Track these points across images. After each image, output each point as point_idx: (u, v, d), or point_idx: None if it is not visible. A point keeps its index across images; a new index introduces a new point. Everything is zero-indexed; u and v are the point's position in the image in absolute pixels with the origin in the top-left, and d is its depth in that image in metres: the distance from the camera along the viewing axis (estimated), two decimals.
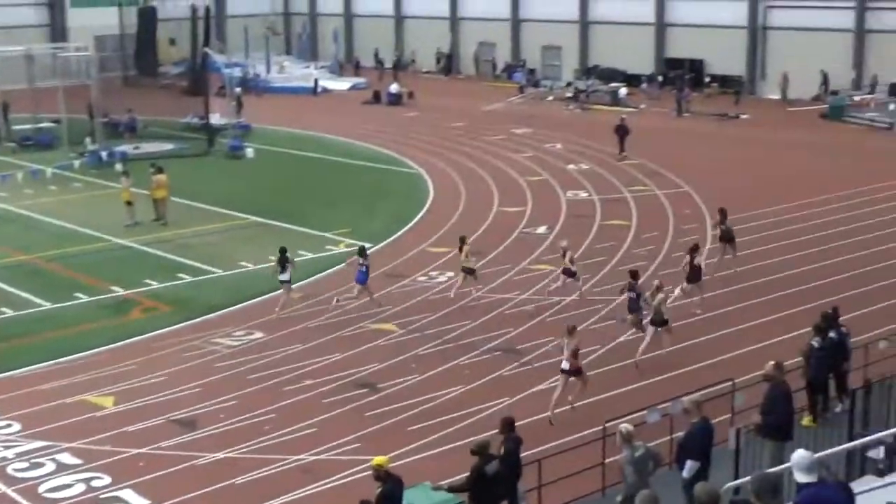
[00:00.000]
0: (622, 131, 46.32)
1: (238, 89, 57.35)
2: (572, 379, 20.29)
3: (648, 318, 23.18)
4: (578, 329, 21.49)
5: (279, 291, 26.90)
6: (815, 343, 18.80)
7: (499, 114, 60.71)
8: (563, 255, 26.98)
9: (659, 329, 22.99)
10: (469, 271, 27.46)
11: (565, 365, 20.26)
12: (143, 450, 19.21)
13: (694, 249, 26.68)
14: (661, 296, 23.07)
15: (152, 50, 63.10)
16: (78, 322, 26.73)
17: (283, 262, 26.65)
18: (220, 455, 18.93)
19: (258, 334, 25.27)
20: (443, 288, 28.17)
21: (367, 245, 28.25)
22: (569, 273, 26.84)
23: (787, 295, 26.79)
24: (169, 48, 71.38)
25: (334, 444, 19.14)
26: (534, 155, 47.46)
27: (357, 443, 19.15)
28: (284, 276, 26.67)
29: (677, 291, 26.24)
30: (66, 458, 19.01)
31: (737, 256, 29.00)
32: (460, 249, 27.67)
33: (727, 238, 28.94)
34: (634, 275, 24.36)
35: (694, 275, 26.28)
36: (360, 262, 26.62)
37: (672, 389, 19.08)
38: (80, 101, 50.00)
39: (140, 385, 22.26)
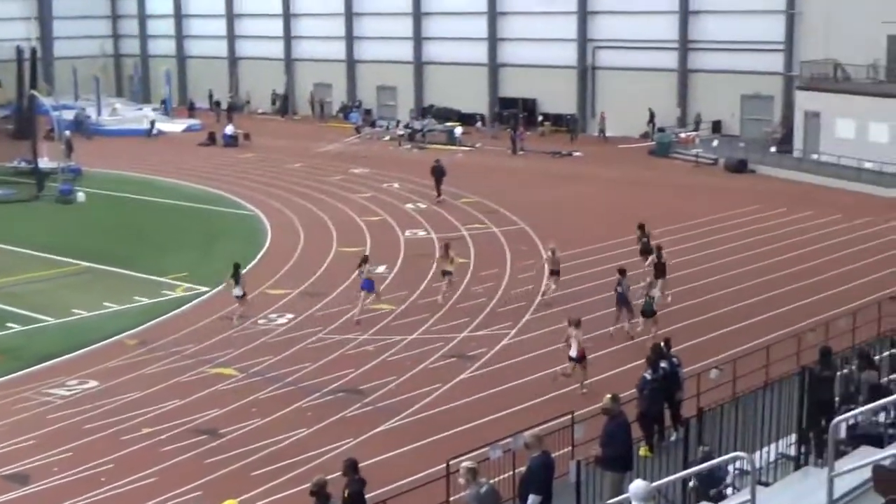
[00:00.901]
0: (438, 173, 46.65)
1: (67, 132, 55.96)
2: (578, 365, 22.85)
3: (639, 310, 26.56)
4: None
5: (231, 307, 29.23)
6: (648, 375, 19.34)
7: (336, 154, 60.76)
8: (553, 255, 30.29)
9: (648, 319, 26.21)
10: (447, 273, 30.42)
11: (573, 353, 22.83)
12: None
13: (659, 249, 29.51)
14: (655, 290, 26.85)
15: None
16: None
17: (237, 278, 28.93)
18: None
19: (93, 383, 24.61)
20: (283, 330, 27.97)
21: (367, 254, 31.40)
22: (555, 273, 30.22)
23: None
24: None
25: (175, 492, 18.74)
26: (371, 195, 47.65)
27: (199, 490, 18.81)
28: (237, 292, 28.91)
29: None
30: None
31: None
32: (445, 255, 30.79)
33: (646, 251, 31.07)
34: (622, 272, 27.23)
35: (659, 271, 28.86)
36: (364, 270, 29.16)
37: (515, 424, 19.30)
38: None
39: None
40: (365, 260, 29.98)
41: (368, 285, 29.11)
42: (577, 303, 29.27)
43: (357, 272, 30.15)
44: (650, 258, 29.90)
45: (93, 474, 19.64)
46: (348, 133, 68.42)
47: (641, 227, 32.55)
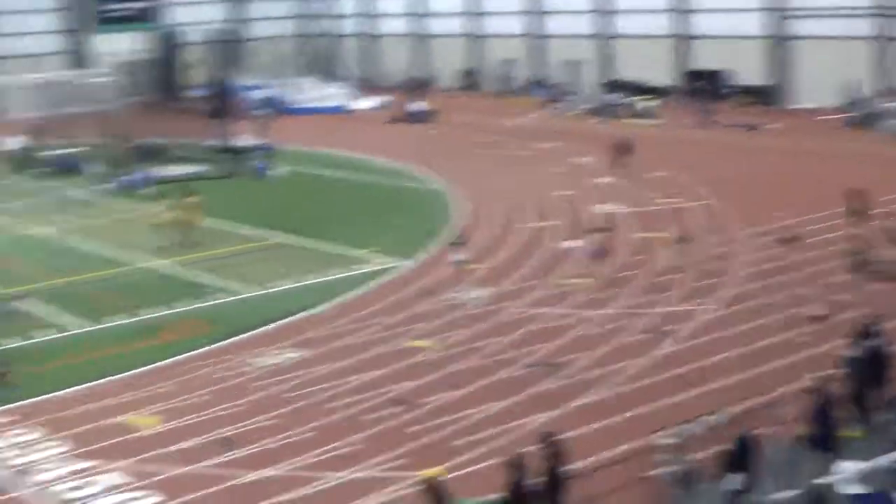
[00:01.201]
0: (625, 148, 46.12)
1: (263, 111, 57.67)
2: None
3: None
4: None
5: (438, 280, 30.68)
6: (854, 352, 18.75)
7: (523, 129, 60.85)
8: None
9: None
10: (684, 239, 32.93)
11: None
12: (188, 468, 19.28)
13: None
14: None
15: (175, 74, 63.56)
16: (115, 343, 26.89)
17: (457, 246, 32.02)
18: (267, 472, 18.90)
19: (294, 353, 25.36)
20: (478, 303, 28.24)
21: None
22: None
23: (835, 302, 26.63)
24: (192, 72, 71.95)
25: (377, 459, 19.15)
26: (561, 169, 47.52)
27: (400, 459, 19.16)
28: (458, 257, 31.31)
29: None
30: (116, 477, 19.09)
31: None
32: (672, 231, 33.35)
33: (858, 213, 32.20)
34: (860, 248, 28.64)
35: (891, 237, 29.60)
36: (593, 238, 32.43)
37: (714, 400, 19.04)
38: (106, 127, 50.36)
39: (180, 405, 22.33)
40: (595, 230, 32.45)
41: (595, 253, 31.18)
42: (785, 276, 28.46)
43: (579, 241, 32.97)
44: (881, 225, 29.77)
45: (296, 441, 20.21)
46: (535, 108, 68.36)
47: (856, 191, 32.50)
